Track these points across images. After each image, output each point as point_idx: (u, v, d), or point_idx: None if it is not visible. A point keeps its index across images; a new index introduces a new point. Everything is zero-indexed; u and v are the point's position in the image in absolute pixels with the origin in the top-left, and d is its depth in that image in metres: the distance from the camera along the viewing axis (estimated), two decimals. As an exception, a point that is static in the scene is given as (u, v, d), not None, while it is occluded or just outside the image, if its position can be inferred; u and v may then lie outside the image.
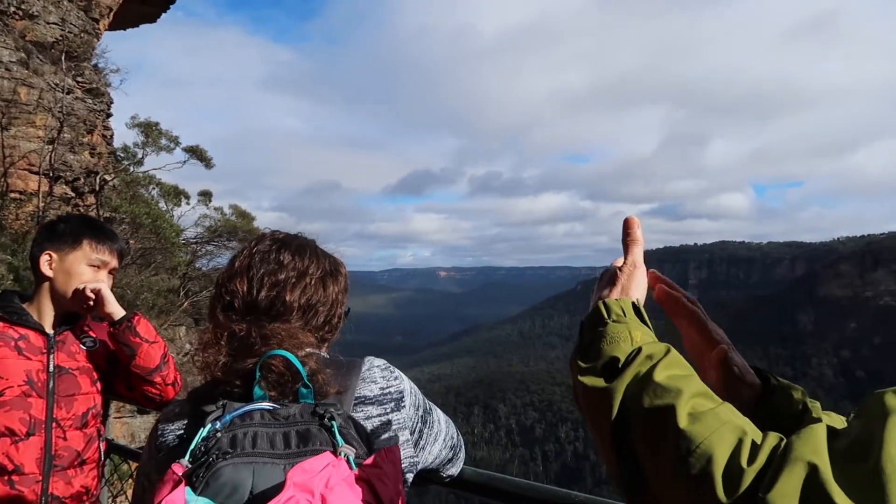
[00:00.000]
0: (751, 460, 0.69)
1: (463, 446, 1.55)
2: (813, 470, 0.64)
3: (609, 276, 1.06)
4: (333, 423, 1.07)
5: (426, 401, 1.40)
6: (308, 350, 1.22)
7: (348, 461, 1.01)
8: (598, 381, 0.86)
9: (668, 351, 0.87)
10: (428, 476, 1.48)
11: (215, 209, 20.90)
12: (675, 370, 0.84)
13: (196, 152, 19.51)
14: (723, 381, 1.10)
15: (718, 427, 0.73)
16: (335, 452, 1.02)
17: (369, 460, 1.05)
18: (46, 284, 2.29)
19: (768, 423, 0.82)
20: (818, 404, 1.05)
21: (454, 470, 1.52)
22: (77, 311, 2.35)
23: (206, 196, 21.11)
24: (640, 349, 0.87)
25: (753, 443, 0.71)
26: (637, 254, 1.06)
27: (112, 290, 2.32)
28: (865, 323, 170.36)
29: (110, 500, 3.00)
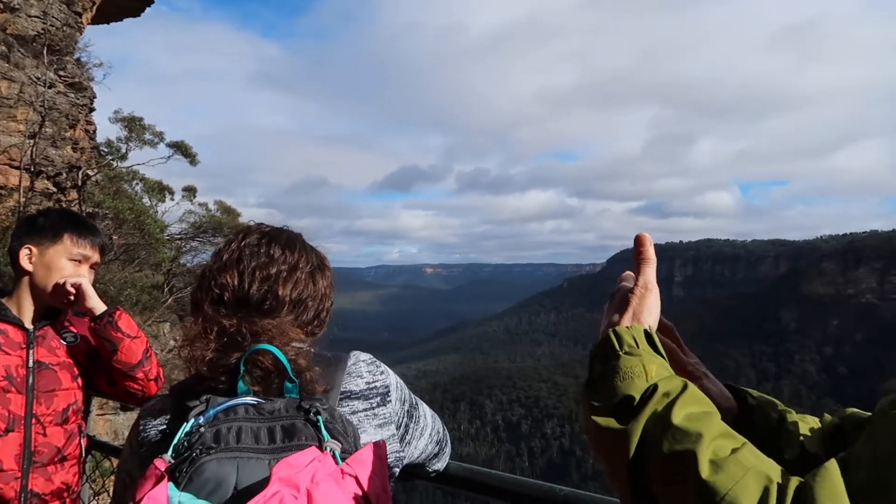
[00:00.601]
0: None
1: (449, 441, 1.54)
2: None
3: (620, 299, 0.98)
4: (319, 417, 1.06)
5: (412, 395, 1.40)
6: (297, 346, 1.21)
7: (334, 456, 1.00)
8: (612, 423, 0.80)
9: (685, 387, 0.82)
10: (414, 471, 1.48)
11: (200, 205, 20.74)
12: (693, 408, 0.79)
13: (181, 148, 19.32)
14: None
15: (743, 476, 0.69)
16: (321, 447, 1.01)
17: (355, 455, 1.04)
18: (26, 279, 2.25)
19: (751, 439, 0.81)
20: (793, 412, 1.06)
21: (440, 465, 1.52)
22: (57, 306, 2.31)
23: (190, 192, 20.93)
24: (655, 387, 0.81)
25: (779, 487, 0.68)
26: (649, 274, 0.98)
27: (94, 286, 2.29)
28: (847, 320, 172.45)
29: (92, 497, 2.96)
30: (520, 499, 1.46)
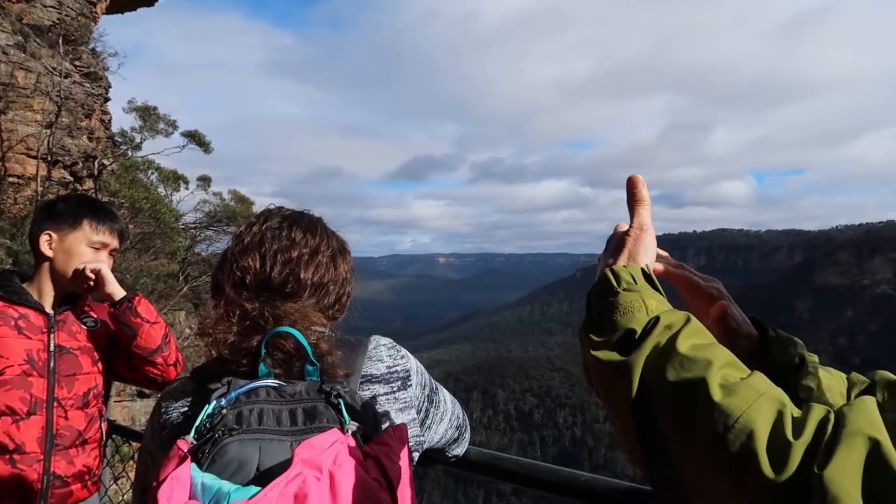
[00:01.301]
0: (796, 433, 0.64)
1: (469, 427, 1.54)
2: (875, 445, 0.59)
3: (615, 243, 0.97)
4: (340, 400, 1.06)
5: (432, 380, 1.39)
6: (319, 329, 1.20)
7: (356, 438, 1.00)
8: (614, 356, 0.78)
9: (688, 319, 0.80)
10: (434, 456, 1.48)
11: (214, 194, 20.87)
12: (697, 339, 0.77)
13: (195, 137, 19.42)
14: (723, 337, 1.06)
15: (756, 399, 0.67)
16: (342, 429, 1.00)
17: (377, 438, 1.03)
18: (46, 264, 2.28)
19: (766, 373, 0.79)
20: (816, 358, 1.04)
21: (460, 450, 1.52)
22: (77, 292, 2.33)
23: (205, 181, 21.06)
24: (657, 318, 0.79)
25: (794, 415, 0.66)
26: (644, 215, 0.96)
27: (112, 273, 2.30)
28: (862, 311, 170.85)
29: (112, 480, 3.00)
30: (540, 484, 1.46)
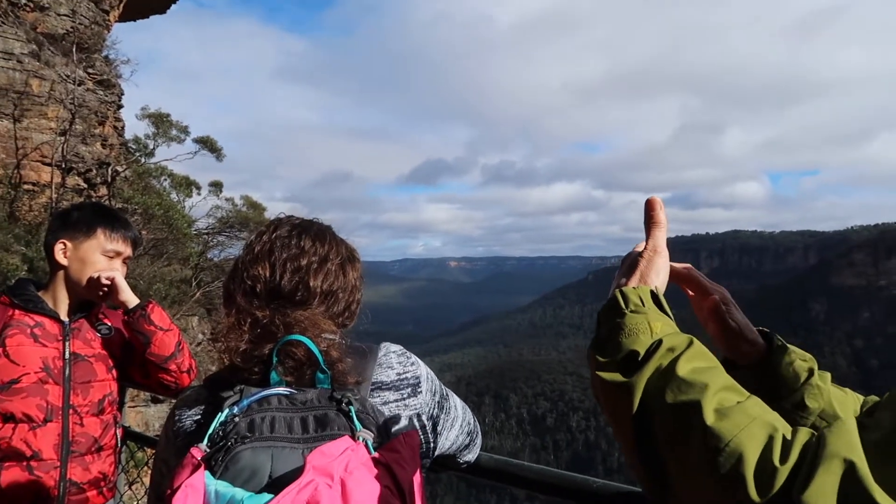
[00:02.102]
0: (783, 458, 0.66)
1: (480, 432, 1.54)
2: (850, 467, 0.61)
3: (629, 263, 0.99)
4: (351, 407, 1.07)
5: (443, 386, 1.40)
6: (329, 337, 1.21)
7: (367, 445, 1.01)
8: (617, 376, 0.82)
9: (690, 343, 0.82)
10: (445, 462, 1.48)
11: (226, 200, 20.99)
12: (698, 362, 0.80)
13: (207, 143, 19.57)
14: (721, 335, 1.08)
15: (748, 423, 0.70)
16: (353, 437, 1.01)
17: (388, 445, 1.04)
18: (61, 273, 2.30)
19: (772, 384, 0.81)
20: (828, 375, 1.04)
21: (471, 456, 1.52)
22: (92, 299, 2.36)
23: (216, 187, 21.18)
24: (660, 342, 0.82)
25: (785, 439, 0.68)
26: (659, 238, 0.98)
27: (126, 280, 2.33)
28: (879, 312, 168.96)
29: (126, 486, 3.02)
30: (552, 490, 1.45)
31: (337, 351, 1.18)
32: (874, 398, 1.01)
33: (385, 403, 1.22)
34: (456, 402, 1.43)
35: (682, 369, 0.77)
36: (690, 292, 1.12)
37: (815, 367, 1.05)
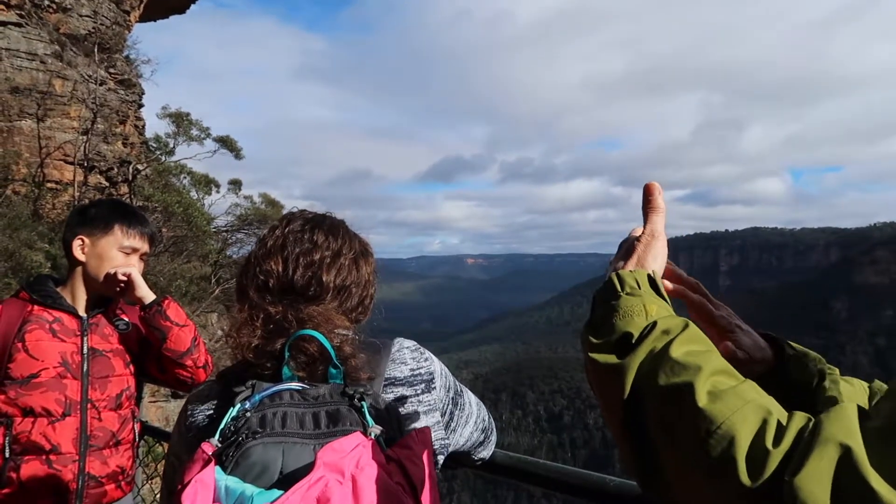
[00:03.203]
0: (776, 442, 0.64)
1: (494, 429, 1.52)
2: (846, 452, 0.59)
3: (626, 248, 0.98)
4: (363, 403, 1.06)
5: (457, 383, 1.38)
6: (342, 332, 1.20)
7: (378, 442, 1.00)
8: (610, 358, 0.80)
9: (686, 325, 0.80)
10: (459, 458, 1.47)
11: (245, 197, 21.16)
12: (693, 346, 0.77)
13: (226, 142, 19.73)
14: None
15: (741, 406, 0.67)
16: (365, 433, 1.00)
17: (400, 441, 1.03)
18: (79, 269, 2.33)
19: (783, 392, 0.77)
20: (837, 371, 1.01)
21: (485, 453, 1.50)
22: (109, 295, 2.38)
23: (235, 185, 21.37)
24: (655, 323, 0.80)
25: (779, 423, 0.66)
26: (657, 222, 0.97)
27: (144, 276, 2.34)
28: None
29: (145, 480, 3.05)
30: (568, 488, 1.44)
31: (350, 346, 1.17)
32: (881, 384, 0.98)
33: (398, 399, 1.21)
34: (471, 398, 1.42)
35: (676, 351, 0.75)
36: (699, 320, 1.07)
37: (826, 366, 1.02)
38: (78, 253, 2.30)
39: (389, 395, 1.20)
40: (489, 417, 1.50)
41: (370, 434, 1.00)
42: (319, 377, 1.14)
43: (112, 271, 2.28)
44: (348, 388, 1.09)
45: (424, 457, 1.03)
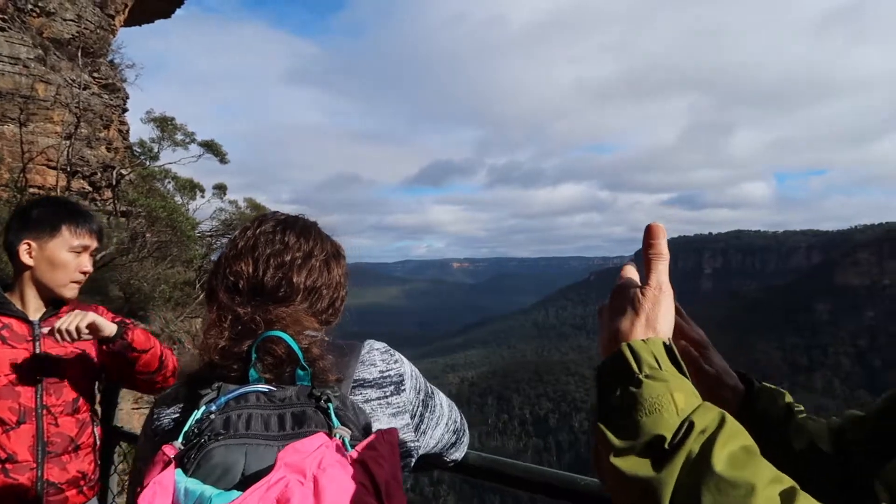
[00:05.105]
0: None
1: (467, 431, 1.53)
2: None
3: (629, 301, 0.80)
4: (330, 405, 1.06)
5: (428, 384, 1.38)
6: (311, 334, 1.20)
7: (343, 443, 1.00)
8: (641, 468, 0.65)
9: (722, 420, 0.67)
10: (431, 460, 1.47)
11: (230, 202, 21.01)
12: (734, 446, 0.65)
13: (211, 147, 19.58)
14: (697, 381, 0.96)
15: None
16: (330, 434, 1.00)
17: (365, 442, 1.03)
18: (28, 273, 2.25)
19: (752, 427, 0.71)
20: (802, 407, 1.02)
21: (458, 454, 1.51)
22: (61, 298, 2.31)
23: (220, 189, 21.21)
24: (691, 424, 0.66)
25: None
26: (662, 272, 0.81)
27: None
28: (883, 312, 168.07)
29: (119, 488, 3.01)
30: (538, 488, 1.45)
31: (318, 348, 1.17)
32: (853, 413, 0.99)
33: (367, 401, 1.21)
34: (442, 400, 1.42)
35: (719, 461, 0.62)
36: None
37: (792, 403, 1.03)
38: (25, 258, 2.22)
39: (358, 397, 1.20)
40: (461, 419, 1.50)
41: (335, 435, 1.00)
42: (287, 379, 1.14)
43: (73, 328, 2.07)
44: (315, 390, 1.09)
45: (390, 458, 1.03)
